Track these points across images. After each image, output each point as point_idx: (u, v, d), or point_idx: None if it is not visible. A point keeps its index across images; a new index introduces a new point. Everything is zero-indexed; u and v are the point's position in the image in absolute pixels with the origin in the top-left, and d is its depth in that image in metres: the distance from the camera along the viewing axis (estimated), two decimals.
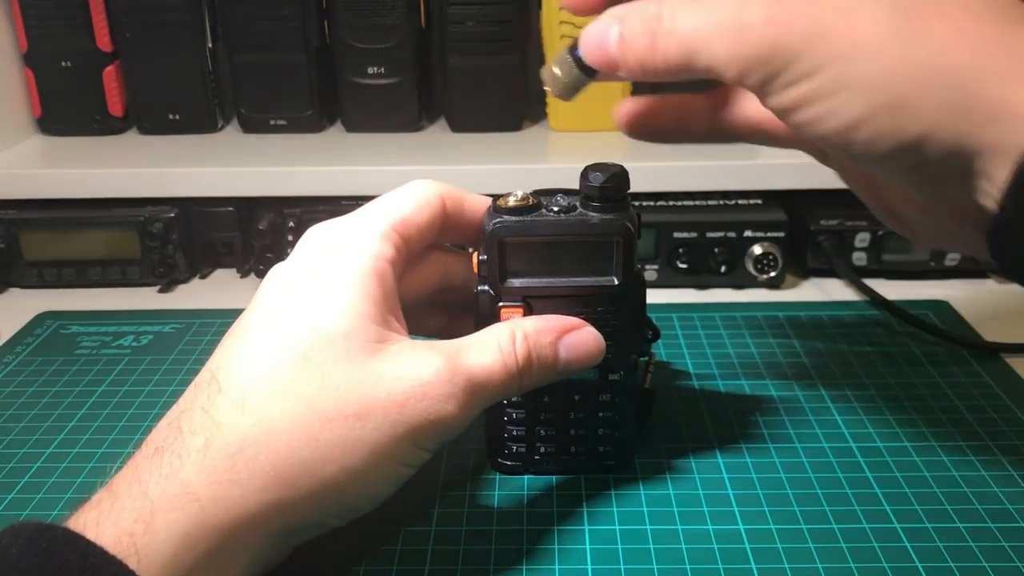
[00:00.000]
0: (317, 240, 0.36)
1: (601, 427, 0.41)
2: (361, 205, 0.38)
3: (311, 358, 0.32)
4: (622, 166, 0.38)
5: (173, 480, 0.30)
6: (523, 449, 0.42)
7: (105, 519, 0.29)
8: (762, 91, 0.30)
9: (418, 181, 0.39)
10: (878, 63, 0.27)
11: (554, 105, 0.69)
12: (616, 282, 0.38)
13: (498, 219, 0.38)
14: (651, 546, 0.38)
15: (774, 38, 0.28)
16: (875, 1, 0.28)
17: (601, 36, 0.33)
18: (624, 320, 0.39)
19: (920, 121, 0.27)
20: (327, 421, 0.31)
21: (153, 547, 0.28)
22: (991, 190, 0.28)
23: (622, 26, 0.32)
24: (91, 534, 0.28)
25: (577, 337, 0.37)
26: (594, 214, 0.37)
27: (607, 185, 0.37)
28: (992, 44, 0.27)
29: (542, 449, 0.42)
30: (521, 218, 0.38)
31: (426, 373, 0.32)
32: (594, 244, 0.38)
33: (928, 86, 0.27)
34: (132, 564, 0.27)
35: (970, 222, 0.30)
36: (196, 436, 0.31)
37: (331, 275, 0.34)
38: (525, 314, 0.38)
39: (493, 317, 0.38)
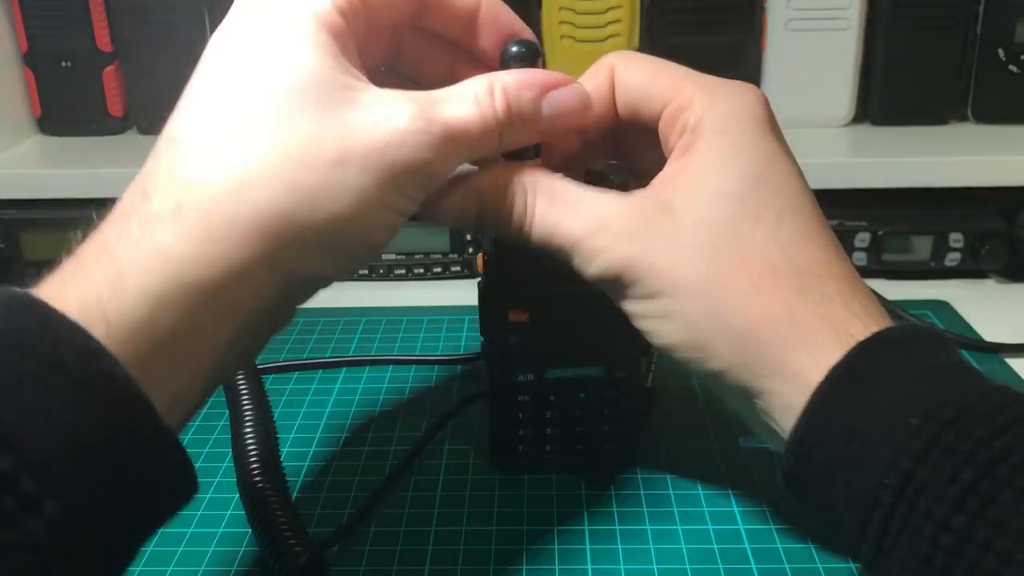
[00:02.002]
0: (250, 2, 0.33)
1: (606, 424, 0.41)
2: None
3: (279, 107, 0.30)
4: (626, 170, 0.38)
5: (144, 242, 0.27)
6: (530, 448, 0.42)
7: (69, 285, 0.26)
8: (613, 295, 0.35)
9: None
10: (691, 306, 0.33)
11: None
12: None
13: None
14: (651, 546, 0.38)
15: (625, 261, 0.33)
16: (698, 247, 0.33)
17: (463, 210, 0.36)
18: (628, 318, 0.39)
19: (717, 361, 0.33)
20: (306, 168, 0.29)
21: (123, 308, 0.26)
22: (778, 426, 0.33)
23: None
24: (54, 300, 0.25)
25: (561, 93, 0.35)
26: None
27: (610, 186, 0.37)
28: (780, 307, 0.32)
29: (548, 448, 0.42)
30: None
31: (401, 120, 0.30)
32: None
33: (725, 335, 0.32)
34: (100, 329, 0.25)
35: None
36: (165, 198, 0.28)
37: (280, 31, 0.31)
38: (531, 319, 0.38)
39: (500, 317, 0.38)
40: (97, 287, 0.26)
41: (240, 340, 0.29)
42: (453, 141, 0.32)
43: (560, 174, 0.36)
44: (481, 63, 0.38)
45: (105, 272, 0.26)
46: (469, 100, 0.32)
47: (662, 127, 0.37)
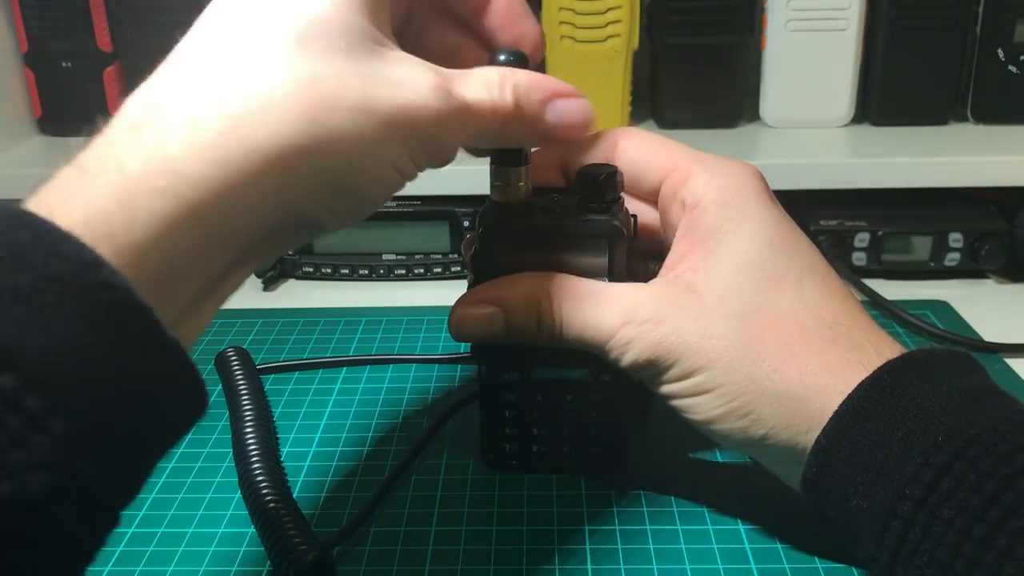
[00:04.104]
0: None
1: (592, 427, 0.41)
2: None
3: (304, 39, 0.29)
4: (616, 168, 0.38)
5: (155, 155, 0.25)
6: (517, 447, 0.42)
7: (74, 198, 0.24)
8: (649, 381, 0.36)
9: None
10: (728, 377, 0.34)
11: None
12: (608, 281, 0.38)
13: (493, 217, 0.38)
14: (651, 546, 0.38)
15: (656, 345, 0.35)
16: (726, 320, 0.35)
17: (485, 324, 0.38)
18: None
19: (761, 426, 0.34)
20: (330, 107, 0.28)
21: (131, 228, 0.24)
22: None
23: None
24: (59, 216, 0.23)
25: (568, 104, 0.36)
26: (587, 215, 0.38)
27: (600, 186, 0.37)
28: (815, 361, 0.34)
29: (535, 448, 0.42)
30: (516, 217, 0.38)
31: (424, 85, 0.30)
32: (586, 244, 0.38)
33: (765, 399, 0.34)
34: (105, 246, 0.23)
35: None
36: (181, 111, 0.27)
37: None
38: None
39: None
40: (104, 201, 0.24)
41: (231, 269, 0.28)
42: (463, 119, 0.32)
43: (578, 277, 0.37)
44: (486, 48, 0.38)
45: (112, 186, 0.25)
46: (482, 85, 0.33)
47: (662, 200, 0.39)
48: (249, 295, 0.64)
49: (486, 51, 0.38)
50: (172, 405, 0.25)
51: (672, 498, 0.41)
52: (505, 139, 0.35)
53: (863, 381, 0.32)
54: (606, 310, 0.36)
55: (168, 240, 0.25)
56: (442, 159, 0.33)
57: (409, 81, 0.30)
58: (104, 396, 0.22)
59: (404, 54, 0.31)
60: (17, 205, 0.24)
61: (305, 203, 0.29)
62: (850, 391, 0.32)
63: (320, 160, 0.28)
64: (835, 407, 0.32)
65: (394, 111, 0.29)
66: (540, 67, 0.39)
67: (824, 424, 0.33)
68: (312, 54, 0.28)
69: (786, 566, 0.36)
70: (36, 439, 0.21)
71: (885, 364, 0.33)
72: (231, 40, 0.29)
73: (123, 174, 0.25)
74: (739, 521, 0.39)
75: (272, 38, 0.28)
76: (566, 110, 0.35)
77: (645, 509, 0.40)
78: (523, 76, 0.34)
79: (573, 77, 0.69)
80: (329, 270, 0.66)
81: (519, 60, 0.36)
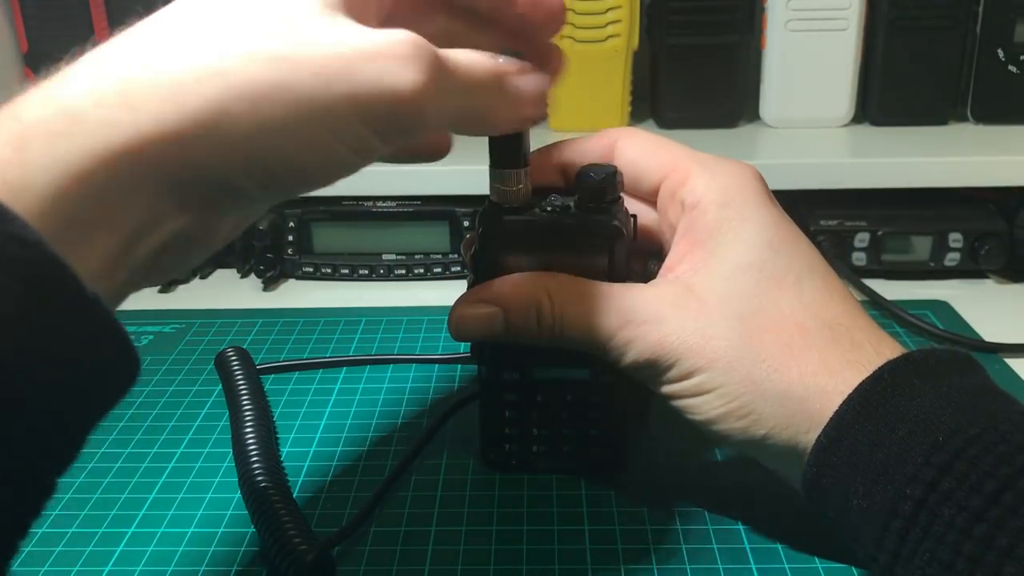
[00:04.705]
0: None
1: (592, 427, 0.41)
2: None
3: (239, 6, 0.27)
4: (615, 167, 0.38)
5: (52, 102, 0.24)
6: (518, 448, 0.42)
7: None
8: (650, 382, 0.36)
9: None
10: (728, 377, 0.34)
11: (553, 105, 0.69)
12: (609, 281, 0.38)
13: (492, 217, 0.38)
14: (651, 546, 0.38)
15: (657, 345, 0.35)
16: (726, 321, 0.35)
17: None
18: None
19: (761, 425, 0.34)
20: (244, 57, 0.25)
21: (29, 175, 0.23)
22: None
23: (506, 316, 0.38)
24: None
25: (528, 78, 0.33)
26: (587, 215, 0.38)
27: (600, 186, 0.37)
28: (815, 361, 0.34)
29: (535, 448, 0.42)
30: (515, 217, 0.38)
31: (392, 36, 0.27)
32: (586, 244, 0.38)
33: (765, 399, 0.34)
34: (2, 195, 0.22)
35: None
36: (84, 63, 0.25)
37: None
38: None
39: None
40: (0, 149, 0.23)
41: (148, 228, 0.26)
42: (445, 69, 0.28)
43: (578, 277, 0.37)
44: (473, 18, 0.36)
45: (7, 132, 0.23)
46: (466, 53, 0.30)
47: (661, 200, 0.39)
48: (249, 295, 0.64)
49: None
50: (95, 363, 0.23)
51: (672, 498, 0.41)
52: (471, 111, 0.32)
53: (863, 381, 0.32)
54: (606, 310, 0.36)
55: (69, 187, 0.23)
56: (417, 133, 0.29)
57: (357, 35, 0.27)
58: (22, 352, 0.21)
59: (373, 27, 0.28)
60: None
61: (215, 164, 0.26)
62: (850, 391, 0.32)
63: (225, 115, 0.25)
64: (835, 407, 0.32)
65: (337, 61, 0.26)
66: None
67: (824, 424, 0.33)
68: (246, 8, 0.27)
69: (786, 566, 0.36)
70: None
71: (885, 364, 0.33)
72: (170, 12, 0.28)
73: (19, 120, 0.24)
74: (739, 521, 0.39)
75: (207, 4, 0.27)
76: (527, 81, 0.33)
77: (645, 509, 0.40)
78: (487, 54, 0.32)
79: (573, 77, 0.69)
80: (329, 270, 0.66)
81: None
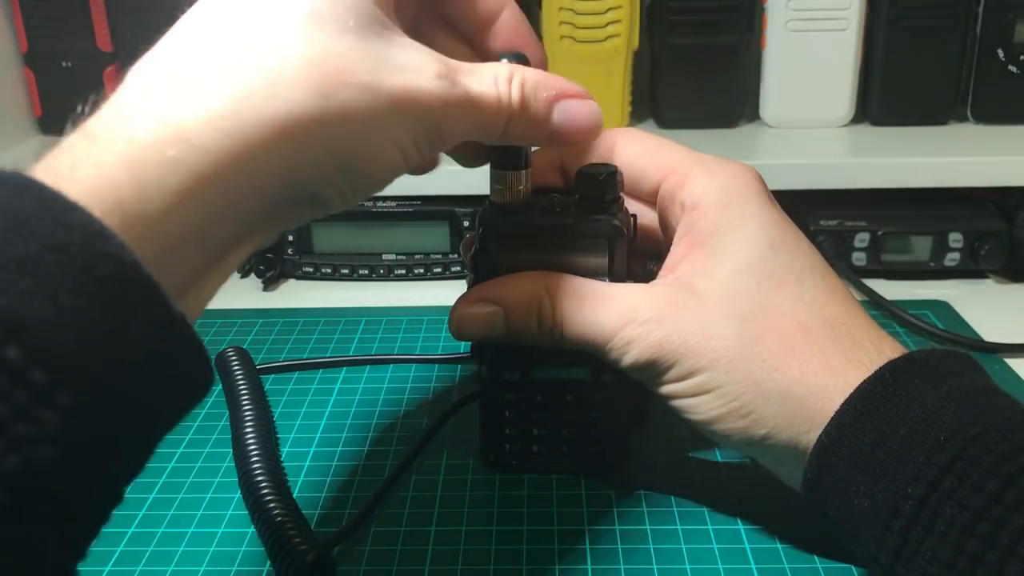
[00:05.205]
0: None
1: (593, 427, 0.41)
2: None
3: (319, 20, 0.28)
4: (616, 168, 0.38)
5: (166, 123, 0.25)
6: (518, 448, 0.42)
7: (82, 166, 0.24)
8: (649, 382, 0.37)
9: None
10: (729, 376, 0.34)
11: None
12: (609, 281, 0.38)
13: (492, 217, 0.38)
14: (651, 546, 0.38)
15: (657, 345, 0.35)
16: (727, 321, 0.35)
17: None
18: None
19: (762, 425, 0.34)
20: (340, 83, 0.28)
21: (140, 198, 0.24)
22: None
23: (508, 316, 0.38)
24: (66, 184, 0.23)
25: (576, 105, 0.35)
26: (587, 215, 0.38)
27: (600, 186, 0.37)
28: (816, 360, 0.34)
29: (535, 448, 0.42)
30: (515, 218, 0.38)
31: (429, 71, 0.30)
32: (586, 245, 0.38)
33: (766, 398, 0.34)
34: (115, 217, 0.23)
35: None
36: (193, 79, 0.26)
37: None
38: None
39: None
40: (113, 170, 0.24)
41: (236, 242, 0.28)
42: (467, 110, 0.31)
43: (579, 277, 0.37)
44: (455, 27, 0.38)
45: (121, 154, 0.24)
46: (489, 79, 0.32)
47: (660, 201, 0.39)
48: (249, 295, 0.64)
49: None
50: (177, 380, 0.25)
51: (672, 498, 0.41)
52: (509, 135, 0.34)
53: (865, 380, 0.32)
54: (607, 310, 0.36)
55: (177, 211, 0.24)
56: (443, 147, 0.33)
57: (414, 65, 0.30)
58: (110, 370, 0.22)
59: (411, 40, 0.31)
60: (23, 173, 0.23)
61: (311, 177, 0.28)
62: (851, 390, 0.32)
63: (328, 134, 0.28)
64: (836, 406, 0.32)
65: (399, 92, 0.29)
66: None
67: (825, 423, 0.33)
68: (323, 30, 0.28)
69: (786, 566, 0.36)
70: (42, 413, 0.20)
71: (887, 364, 0.33)
72: (241, 12, 0.28)
73: (133, 142, 0.24)
74: (739, 521, 0.39)
75: (283, 12, 0.28)
76: (573, 111, 0.35)
77: (645, 509, 0.40)
78: (532, 73, 0.34)
79: (573, 77, 0.69)
80: (329, 270, 0.66)
81: (521, 63, 0.36)
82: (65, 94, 0.71)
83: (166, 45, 0.28)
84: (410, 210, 0.64)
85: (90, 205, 0.23)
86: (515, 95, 0.33)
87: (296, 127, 0.27)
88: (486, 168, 0.38)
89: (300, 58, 0.27)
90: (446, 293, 0.64)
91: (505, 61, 0.35)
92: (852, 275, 0.60)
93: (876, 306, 0.58)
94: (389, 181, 0.32)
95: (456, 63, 0.32)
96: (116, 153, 0.24)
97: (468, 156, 0.39)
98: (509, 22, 0.37)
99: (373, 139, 0.29)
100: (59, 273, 0.21)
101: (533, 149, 0.39)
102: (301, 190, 0.29)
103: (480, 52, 0.38)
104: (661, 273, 0.38)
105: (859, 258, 0.62)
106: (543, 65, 0.38)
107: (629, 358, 0.36)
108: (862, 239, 0.62)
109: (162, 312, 0.23)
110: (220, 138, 0.25)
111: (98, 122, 0.25)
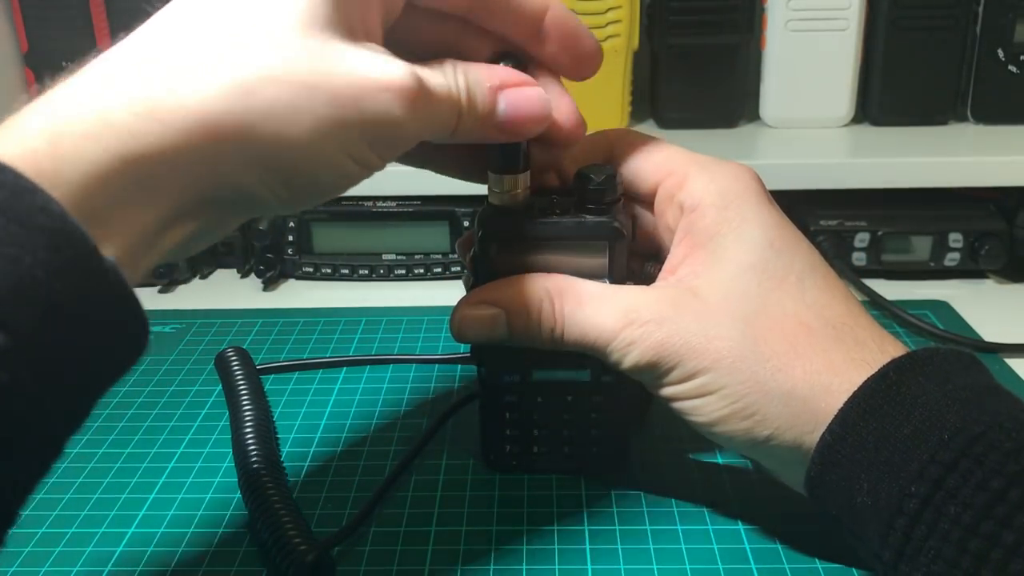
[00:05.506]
0: None
1: (594, 428, 0.41)
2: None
3: (258, 22, 0.28)
4: (615, 169, 0.38)
5: (87, 102, 0.26)
6: (518, 448, 0.42)
7: (8, 135, 0.25)
8: (651, 384, 0.36)
9: None
10: (732, 377, 0.34)
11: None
12: (609, 283, 0.38)
13: (491, 219, 0.38)
14: (651, 546, 0.38)
15: (659, 346, 0.35)
16: (730, 322, 0.35)
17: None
18: None
19: (766, 426, 0.34)
20: (269, 80, 0.27)
21: (58, 167, 0.24)
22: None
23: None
24: None
25: (520, 92, 0.34)
26: (587, 216, 0.38)
27: (599, 187, 0.37)
28: (820, 360, 0.34)
29: (535, 449, 0.42)
30: (514, 219, 0.38)
31: (382, 70, 0.29)
32: (586, 246, 0.38)
33: (770, 399, 0.34)
34: (35, 181, 0.24)
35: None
36: (122, 65, 0.27)
37: None
38: None
39: None
40: (34, 140, 0.25)
41: (168, 227, 0.28)
42: (428, 107, 0.31)
43: (579, 279, 0.37)
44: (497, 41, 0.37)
45: (43, 125, 0.25)
46: (439, 75, 0.32)
47: (658, 203, 0.39)
48: (249, 295, 0.64)
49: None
50: (111, 329, 0.25)
51: (672, 498, 0.41)
52: (460, 131, 0.33)
53: (868, 379, 0.32)
54: (608, 311, 0.36)
55: (96, 185, 0.25)
56: (400, 149, 0.32)
57: (365, 65, 0.29)
58: (45, 315, 0.23)
59: (371, 44, 0.31)
60: None
61: (237, 175, 0.28)
62: (855, 389, 0.32)
63: (251, 133, 0.27)
64: (840, 405, 0.32)
65: (349, 94, 0.29)
66: None
67: (829, 422, 0.33)
68: (263, 29, 0.28)
69: (786, 566, 0.36)
70: None
71: (890, 362, 0.33)
72: (192, 10, 0.29)
73: (55, 116, 0.26)
74: (739, 521, 0.39)
75: (227, 10, 0.29)
76: (518, 100, 0.34)
77: (645, 509, 0.40)
78: (475, 66, 0.33)
79: None
80: (329, 270, 0.66)
81: (519, 63, 0.36)
82: None
83: (128, 39, 0.29)
84: (410, 210, 0.64)
85: (17, 168, 0.23)
86: (462, 86, 0.32)
87: (215, 122, 0.27)
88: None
89: (226, 52, 0.28)
90: (446, 293, 0.64)
91: (449, 59, 0.34)
92: (852, 275, 0.60)
93: (876, 306, 0.58)
94: (343, 187, 0.31)
95: (415, 65, 0.31)
96: (38, 124, 0.25)
97: (458, 167, 0.39)
98: (555, 21, 0.36)
99: (310, 140, 0.28)
100: None
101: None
102: (230, 187, 0.28)
103: (537, 58, 0.37)
104: (661, 275, 0.38)
105: (859, 258, 0.62)
106: (594, 54, 0.38)
107: (630, 360, 0.36)
108: (862, 239, 0.62)
109: (93, 261, 0.24)
110: (136, 122, 0.26)
111: (38, 100, 0.27)
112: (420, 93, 0.30)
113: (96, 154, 0.25)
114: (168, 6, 0.30)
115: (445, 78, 0.32)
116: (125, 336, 0.26)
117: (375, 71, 0.29)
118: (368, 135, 0.30)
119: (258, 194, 0.29)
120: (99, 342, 0.25)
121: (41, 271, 0.22)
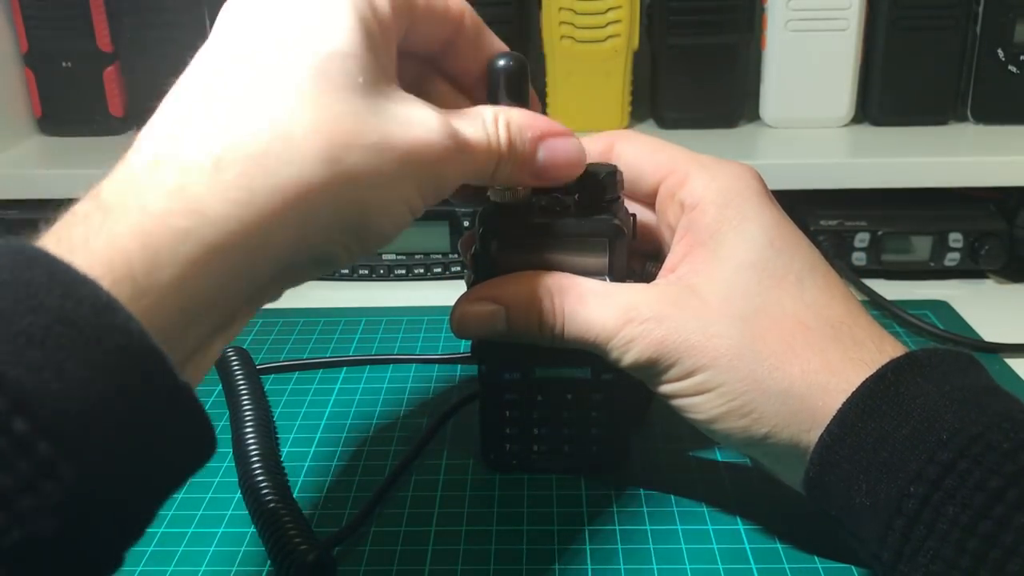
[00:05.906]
0: None
1: (594, 427, 0.41)
2: None
3: (327, 80, 0.28)
4: (616, 167, 0.38)
5: (178, 194, 0.25)
6: (518, 448, 0.42)
7: (95, 237, 0.24)
8: (650, 381, 0.37)
9: None
10: (730, 375, 0.34)
11: (553, 106, 0.69)
12: (609, 281, 0.38)
13: (492, 216, 0.38)
14: (651, 546, 0.38)
15: (659, 344, 0.35)
16: (729, 320, 0.35)
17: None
18: None
19: (763, 424, 0.34)
20: (350, 146, 0.28)
21: (152, 270, 0.24)
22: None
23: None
24: (80, 255, 0.23)
25: (560, 143, 0.36)
26: (588, 214, 0.38)
27: (600, 186, 0.37)
28: (817, 360, 0.34)
29: (536, 448, 0.42)
30: (515, 217, 0.38)
31: (432, 125, 0.31)
32: (587, 244, 0.38)
33: (767, 397, 0.34)
34: (126, 288, 0.23)
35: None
36: (201, 147, 0.26)
37: (317, 9, 0.30)
38: None
39: None
40: (126, 241, 0.24)
41: (244, 307, 0.28)
42: (463, 156, 0.32)
43: (579, 276, 0.37)
44: (454, 81, 0.38)
45: (134, 225, 0.25)
46: (479, 124, 0.33)
47: (659, 202, 0.39)
48: None
49: (454, 85, 0.38)
50: (180, 449, 0.25)
51: (672, 498, 0.41)
52: (498, 176, 0.35)
53: (867, 379, 0.32)
54: (608, 309, 0.36)
55: (188, 280, 0.25)
56: (444, 196, 0.33)
57: (418, 120, 0.31)
58: (114, 442, 0.22)
59: (411, 96, 0.32)
60: (35, 244, 0.24)
61: (322, 240, 0.29)
62: (853, 389, 0.32)
63: (338, 198, 0.28)
64: (838, 405, 0.32)
65: (407, 149, 0.30)
66: (538, 68, 0.39)
67: (827, 422, 0.33)
68: (332, 90, 0.28)
69: (786, 566, 0.36)
70: (46, 485, 0.21)
71: (889, 362, 0.33)
72: (246, 71, 0.28)
73: (145, 213, 0.25)
74: (739, 521, 0.39)
75: (290, 72, 0.28)
76: (558, 149, 0.36)
77: (645, 509, 0.40)
78: (516, 115, 0.35)
79: (573, 77, 0.70)
80: None
81: (519, 62, 0.36)
82: (65, 94, 0.72)
83: (177, 99, 0.28)
84: None
85: (101, 276, 0.23)
86: (503, 137, 0.34)
87: (307, 194, 0.27)
88: None
89: (308, 122, 0.28)
90: (446, 293, 0.64)
91: (497, 70, 0.36)
92: (852, 275, 0.60)
93: (876, 306, 0.58)
94: (396, 236, 0.32)
95: (449, 112, 0.32)
96: (128, 224, 0.25)
97: (462, 198, 0.40)
98: (471, 32, 0.37)
99: (382, 198, 0.30)
100: (67, 345, 0.22)
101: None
102: (311, 253, 0.29)
103: (478, 100, 0.38)
104: (661, 273, 0.38)
105: (859, 258, 0.62)
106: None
107: (630, 357, 0.36)
108: (862, 239, 0.62)
109: (167, 383, 0.23)
110: (231, 208, 0.26)
111: (111, 189, 0.26)
112: (463, 145, 0.32)
113: (191, 249, 0.25)
114: (206, 53, 0.30)
115: (486, 128, 0.33)
116: (192, 452, 0.26)
117: (423, 126, 0.31)
118: (421, 186, 0.31)
119: (333, 255, 0.30)
120: (166, 462, 0.25)
121: (114, 396, 0.22)
